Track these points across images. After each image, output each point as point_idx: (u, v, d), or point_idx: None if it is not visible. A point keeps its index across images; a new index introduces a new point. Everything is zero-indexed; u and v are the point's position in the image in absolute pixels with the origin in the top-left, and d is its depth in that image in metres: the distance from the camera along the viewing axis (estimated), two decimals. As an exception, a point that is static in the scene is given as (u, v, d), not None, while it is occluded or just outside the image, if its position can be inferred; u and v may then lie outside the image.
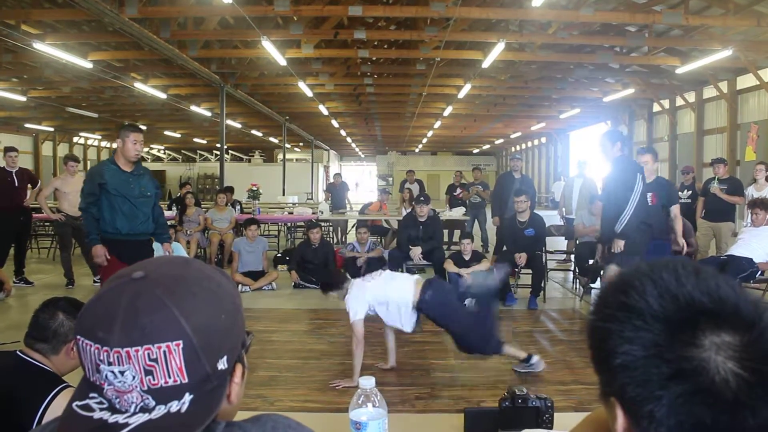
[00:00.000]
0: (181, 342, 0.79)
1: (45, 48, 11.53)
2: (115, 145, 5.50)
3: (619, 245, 5.56)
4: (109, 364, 0.78)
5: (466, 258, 7.90)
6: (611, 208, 5.72)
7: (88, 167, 30.57)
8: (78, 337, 0.81)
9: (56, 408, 2.00)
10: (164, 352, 0.78)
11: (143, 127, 5.58)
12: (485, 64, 14.11)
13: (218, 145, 17.22)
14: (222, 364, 0.84)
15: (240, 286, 8.55)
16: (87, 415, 0.80)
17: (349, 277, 5.07)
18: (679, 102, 19.52)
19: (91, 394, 0.82)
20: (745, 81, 15.83)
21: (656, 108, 21.19)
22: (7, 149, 8.83)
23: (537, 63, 16.48)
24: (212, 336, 0.82)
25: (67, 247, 8.95)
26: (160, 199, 5.80)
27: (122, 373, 0.78)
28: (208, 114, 22.22)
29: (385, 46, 16.81)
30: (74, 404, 0.82)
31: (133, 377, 0.78)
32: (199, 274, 0.87)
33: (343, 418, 1.56)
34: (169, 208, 12.27)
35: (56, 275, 9.45)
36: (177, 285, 0.83)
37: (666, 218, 6.55)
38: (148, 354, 0.78)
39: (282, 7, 10.71)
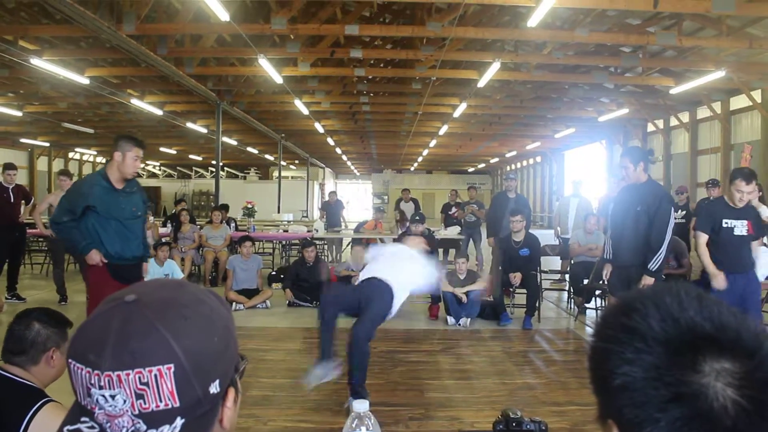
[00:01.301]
0: (172, 365, 0.78)
1: (42, 64, 11.56)
2: (103, 159, 4.95)
3: (649, 283, 5.19)
4: (100, 387, 0.77)
5: (461, 277, 7.88)
6: (639, 238, 5.36)
7: (83, 183, 30.61)
8: (69, 360, 0.81)
9: (39, 423, 1.98)
10: (155, 375, 0.77)
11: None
12: (481, 84, 14.19)
13: (214, 162, 17.24)
14: (214, 388, 0.82)
15: (234, 304, 8.52)
16: None
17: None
18: (673, 122, 19.65)
19: (82, 419, 0.80)
20: (738, 102, 15.96)
21: (650, 128, 21.31)
22: (7, 166, 8.79)
23: (532, 83, 16.58)
24: (204, 359, 0.81)
25: (59, 264, 8.91)
26: (146, 218, 5.38)
27: (113, 396, 0.77)
28: (204, 131, 22.25)
29: (381, 65, 16.89)
30: (66, 428, 0.81)
31: (124, 401, 0.77)
32: (191, 298, 0.86)
33: (337, 440, 1.55)
34: (164, 225, 12.26)
35: (49, 291, 9.40)
36: (169, 308, 0.82)
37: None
38: (139, 377, 0.77)
39: (279, 25, 10.76)
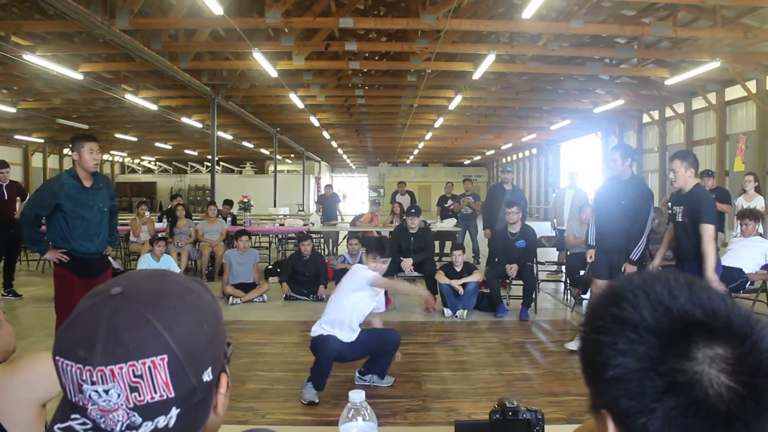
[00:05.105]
0: (165, 356, 0.78)
1: (35, 59, 11.51)
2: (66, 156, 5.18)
3: (632, 270, 5.51)
4: (93, 383, 0.76)
5: (458, 269, 7.89)
6: (623, 228, 5.74)
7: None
8: (57, 358, 0.79)
9: None
10: (149, 367, 0.77)
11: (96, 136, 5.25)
12: (476, 76, 14.18)
13: (209, 157, 17.21)
14: (207, 376, 0.82)
15: (231, 298, 8.51)
16: None
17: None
18: (669, 113, 19.67)
19: (73, 416, 0.80)
20: (734, 92, 15.98)
21: (646, 119, 21.32)
22: None
23: (527, 74, 16.58)
24: (196, 348, 0.81)
25: None
26: (117, 210, 5.48)
27: (107, 391, 0.76)
28: (199, 125, 22.20)
29: (376, 58, 16.87)
30: (56, 427, 0.80)
31: (119, 395, 0.76)
32: (178, 287, 0.85)
33: (334, 432, 1.55)
34: (160, 220, 12.23)
35: (45, 287, 9.37)
36: (157, 299, 0.81)
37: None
38: (133, 370, 0.76)
39: (273, 19, 10.73)
